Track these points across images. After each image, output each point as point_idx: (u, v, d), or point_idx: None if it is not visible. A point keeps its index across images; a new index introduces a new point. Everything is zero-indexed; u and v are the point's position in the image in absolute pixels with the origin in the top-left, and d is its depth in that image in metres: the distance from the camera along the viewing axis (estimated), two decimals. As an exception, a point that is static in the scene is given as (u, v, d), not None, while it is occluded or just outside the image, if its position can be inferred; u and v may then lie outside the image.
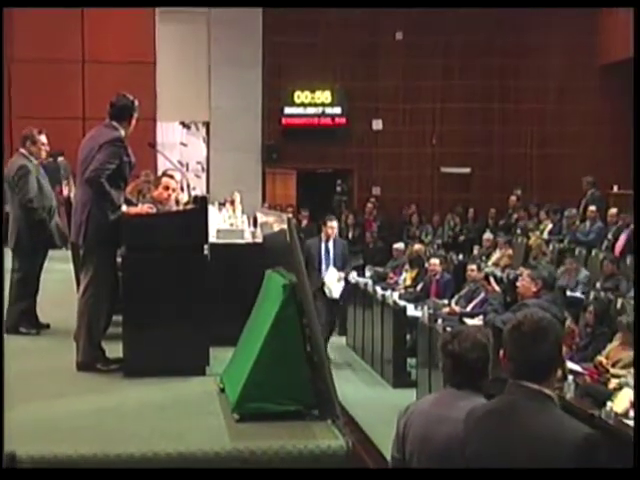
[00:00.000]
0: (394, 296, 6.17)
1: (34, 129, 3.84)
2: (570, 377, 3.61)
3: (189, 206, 3.40)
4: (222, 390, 2.84)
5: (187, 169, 9.88)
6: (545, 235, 8.23)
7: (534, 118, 10.20)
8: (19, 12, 8.59)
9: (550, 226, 8.46)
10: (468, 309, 5.76)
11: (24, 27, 8.87)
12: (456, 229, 9.81)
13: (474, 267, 6.07)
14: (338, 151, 10.21)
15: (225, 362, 2.98)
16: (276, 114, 10.11)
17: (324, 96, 10.15)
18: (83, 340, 3.10)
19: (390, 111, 10.23)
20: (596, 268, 6.53)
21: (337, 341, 6.28)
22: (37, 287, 3.80)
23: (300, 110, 10.12)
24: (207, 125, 10.21)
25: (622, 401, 3.38)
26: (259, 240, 3.77)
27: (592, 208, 7.83)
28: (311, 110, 10.14)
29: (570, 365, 3.96)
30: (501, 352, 1.51)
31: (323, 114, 10.18)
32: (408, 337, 5.73)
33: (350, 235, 9.25)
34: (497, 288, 5.72)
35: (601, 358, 4.13)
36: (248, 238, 3.90)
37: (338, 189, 10.56)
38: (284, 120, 10.13)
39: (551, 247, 7.56)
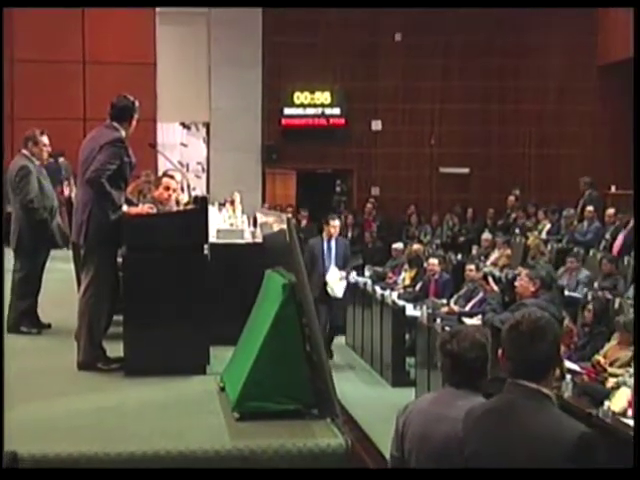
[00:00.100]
0: (393, 296, 6.19)
1: (36, 130, 3.86)
2: (568, 376, 3.62)
3: (189, 206, 3.42)
4: (222, 389, 2.85)
5: (187, 169, 9.91)
6: (543, 235, 8.25)
7: (533, 118, 10.22)
8: (20, 13, 8.61)
9: (548, 226, 8.49)
10: (467, 309, 5.78)
11: (25, 28, 8.88)
12: (455, 229, 9.84)
13: (473, 267, 6.09)
14: (337, 151, 10.23)
15: (225, 361, 2.99)
16: (276, 115, 10.12)
17: (323, 97, 10.17)
18: (84, 339, 3.11)
19: (389, 111, 10.25)
20: (594, 268, 6.56)
21: (336, 341, 6.29)
22: (39, 287, 3.82)
23: (300, 111, 10.15)
24: (207, 126, 10.22)
25: (620, 400, 3.39)
26: (259, 240, 3.78)
27: (590, 208, 7.86)
28: (311, 111, 10.16)
29: (568, 364, 3.98)
30: (499, 351, 1.52)
31: (323, 115, 10.20)
32: (407, 336, 5.75)
33: (349, 235, 9.26)
34: (495, 288, 5.74)
35: (599, 357, 4.15)
36: (248, 238, 3.91)
37: (337, 189, 10.59)
38: (284, 121, 10.16)
39: (549, 247, 7.59)
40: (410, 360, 5.57)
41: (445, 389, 1.80)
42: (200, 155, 10.47)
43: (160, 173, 4.57)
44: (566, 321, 4.65)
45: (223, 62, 9.85)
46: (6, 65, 8.49)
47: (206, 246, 3.21)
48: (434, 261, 6.57)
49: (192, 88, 9.88)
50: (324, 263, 5.57)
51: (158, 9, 9.38)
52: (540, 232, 8.38)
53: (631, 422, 3.21)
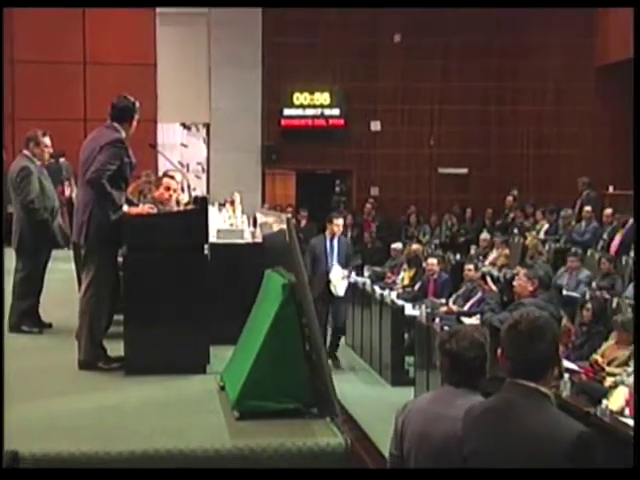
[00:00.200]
0: (392, 295, 6.21)
1: (39, 131, 3.88)
2: (566, 375, 3.64)
3: (189, 206, 3.42)
4: (222, 388, 2.86)
5: (187, 170, 9.93)
6: (541, 235, 8.29)
7: (531, 119, 10.26)
8: (20, 14, 8.62)
9: (546, 226, 8.52)
10: (465, 308, 5.80)
11: (26, 29, 8.89)
12: (453, 229, 9.87)
13: (471, 267, 6.11)
14: (337, 152, 10.26)
15: (225, 361, 2.99)
16: (275, 115, 10.15)
17: (323, 97, 10.20)
18: (85, 339, 3.12)
19: (388, 112, 10.28)
20: (592, 268, 6.59)
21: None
22: (41, 287, 3.83)
23: (299, 111, 10.18)
24: (207, 126, 10.25)
25: (617, 399, 3.41)
26: (259, 240, 3.78)
27: (588, 208, 7.90)
28: (310, 111, 10.19)
29: (566, 363, 4.00)
30: (499, 351, 1.52)
31: (322, 115, 10.23)
32: (406, 336, 5.77)
33: (349, 235, 9.28)
34: (494, 287, 5.76)
35: (597, 357, 4.17)
36: (248, 238, 3.92)
37: (337, 189, 10.61)
38: (283, 121, 10.18)
39: (547, 247, 7.62)
40: (409, 359, 5.58)
41: (444, 388, 1.81)
42: (200, 155, 10.49)
43: (160, 173, 4.58)
44: (564, 320, 4.68)
45: (223, 63, 9.87)
46: (7, 66, 8.50)
47: (206, 246, 3.21)
48: (433, 261, 6.59)
49: (192, 89, 9.90)
50: (327, 262, 5.57)
51: (158, 10, 9.40)
52: (538, 232, 8.42)
53: (628, 421, 3.23)
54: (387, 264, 8.05)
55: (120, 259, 3.20)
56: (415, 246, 7.78)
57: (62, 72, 9.06)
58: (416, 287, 6.71)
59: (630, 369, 3.82)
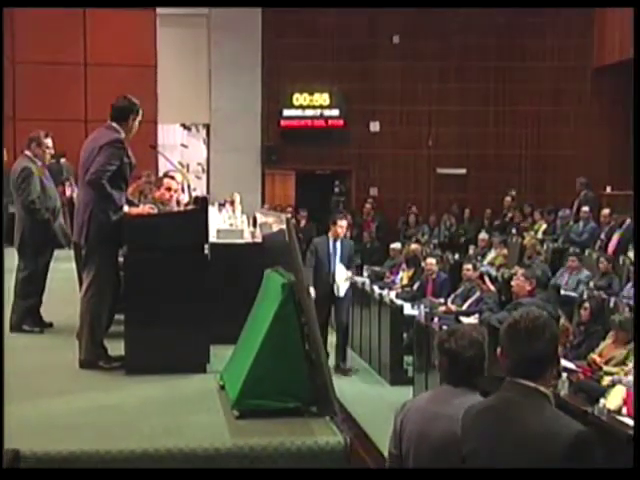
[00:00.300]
0: (391, 295, 6.23)
1: (41, 132, 3.89)
2: (564, 374, 3.66)
3: (190, 207, 3.43)
4: (222, 387, 2.87)
5: (188, 170, 9.96)
6: (539, 235, 8.33)
7: (528, 120, 10.30)
8: (22, 15, 8.65)
9: (544, 226, 8.56)
10: (464, 308, 5.82)
11: (27, 30, 8.91)
12: (452, 229, 9.90)
13: (470, 266, 6.14)
14: (336, 152, 10.29)
15: (225, 360, 3.00)
16: (275, 116, 10.18)
17: (322, 98, 10.23)
18: (85, 338, 3.13)
19: (387, 113, 10.31)
20: (590, 267, 6.61)
21: (333, 339, 6.32)
22: (43, 286, 3.84)
23: (299, 112, 10.21)
24: (207, 127, 10.28)
25: (615, 398, 3.43)
26: (258, 240, 3.80)
27: (585, 209, 7.94)
28: (309, 112, 10.22)
29: (564, 362, 4.01)
30: (498, 350, 1.53)
31: (321, 116, 10.25)
32: (405, 335, 5.78)
33: (348, 235, 9.30)
34: (492, 287, 5.78)
35: (594, 356, 4.19)
36: (248, 238, 3.93)
37: (336, 190, 10.64)
38: (283, 122, 10.21)
39: (545, 247, 7.65)
40: (408, 359, 5.59)
41: (442, 387, 1.81)
42: (200, 156, 10.52)
43: (161, 174, 4.59)
44: (562, 320, 4.70)
45: (223, 64, 9.90)
46: (8, 67, 8.52)
47: (206, 246, 3.22)
48: (432, 261, 6.61)
49: (192, 90, 9.93)
50: (330, 263, 5.56)
51: (159, 11, 9.42)
52: (536, 232, 8.46)
53: (626, 420, 3.25)
54: (386, 264, 8.07)
55: (121, 259, 3.20)
56: (414, 246, 7.81)
57: (63, 73, 9.08)
58: (415, 287, 6.73)
59: (627, 368, 3.84)
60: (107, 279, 3.12)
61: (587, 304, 4.78)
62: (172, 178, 3.77)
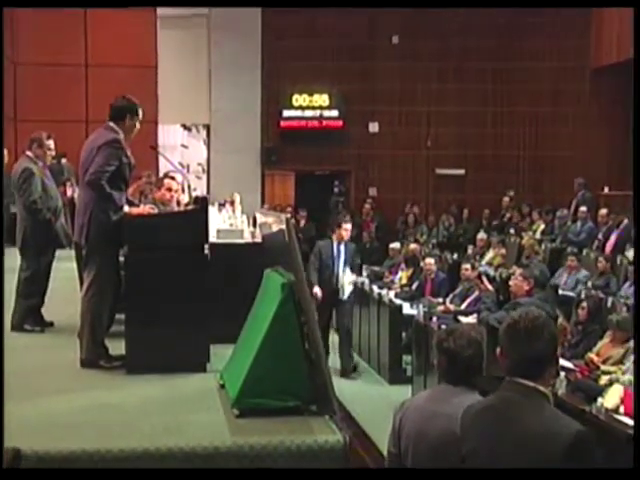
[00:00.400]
0: (390, 295, 6.25)
1: (44, 133, 3.91)
2: (562, 373, 3.68)
3: (190, 207, 3.45)
4: (222, 386, 2.88)
5: (188, 170, 9.99)
6: (537, 235, 8.36)
7: (526, 121, 10.32)
8: (23, 16, 8.66)
9: (542, 226, 8.60)
10: (462, 307, 5.85)
11: (28, 31, 8.92)
12: (451, 229, 9.92)
13: (468, 266, 6.16)
14: (335, 153, 10.31)
15: (225, 359, 3.01)
16: (275, 117, 10.20)
17: (322, 99, 10.25)
18: (86, 338, 3.14)
19: (386, 114, 10.33)
20: (587, 267, 6.64)
21: (334, 339, 6.35)
22: (45, 286, 3.86)
23: (298, 113, 10.23)
24: (207, 127, 10.31)
25: (612, 397, 3.45)
26: (258, 240, 3.80)
27: (583, 209, 7.98)
28: (309, 113, 10.25)
29: (562, 362, 4.03)
30: (498, 350, 1.53)
31: (321, 117, 10.28)
32: (404, 335, 5.80)
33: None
34: (490, 287, 5.81)
35: (592, 355, 4.21)
36: (247, 238, 3.94)
37: (335, 190, 10.66)
38: (283, 123, 10.24)
39: (543, 247, 7.68)
40: (407, 358, 5.61)
41: (441, 386, 1.83)
42: (200, 156, 10.55)
43: (161, 174, 4.60)
44: (560, 319, 4.72)
45: (223, 65, 9.92)
46: (9, 67, 8.53)
47: (206, 246, 3.22)
48: (430, 260, 6.64)
49: (192, 90, 9.96)
50: (333, 265, 5.56)
51: (159, 13, 9.44)
52: (534, 232, 8.49)
53: (623, 418, 3.27)
54: (385, 264, 8.09)
55: (122, 259, 3.22)
56: (413, 246, 7.83)
57: (64, 74, 9.08)
58: (414, 286, 6.76)
59: (624, 367, 3.86)
60: (108, 279, 3.13)
61: (585, 304, 4.81)
62: (172, 178, 3.78)
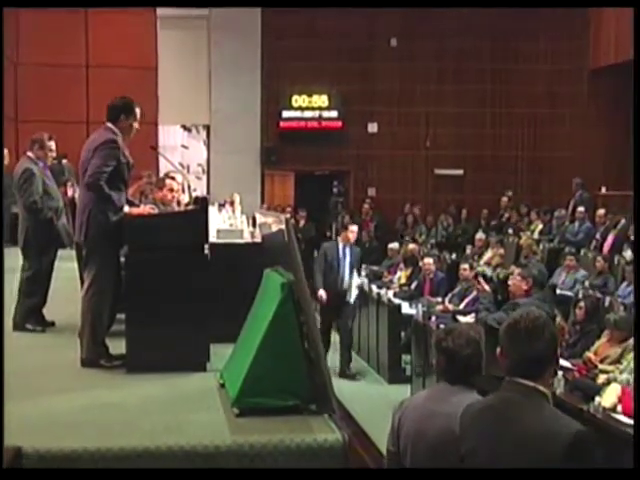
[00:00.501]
0: (389, 294, 6.27)
1: (45, 134, 3.92)
2: (560, 373, 3.70)
3: (190, 207, 3.46)
4: (222, 385, 2.89)
5: (188, 171, 10.02)
6: (535, 235, 8.38)
7: (525, 121, 10.35)
8: (24, 17, 8.68)
9: (540, 226, 8.63)
10: (461, 307, 5.87)
11: (29, 32, 8.93)
12: (449, 229, 9.95)
13: (466, 266, 6.19)
14: (335, 153, 10.33)
15: (225, 358, 3.02)
16: (274, 117, 10.22)
17: (321, 100, 10.27)
18: (87, 337, 3.15)
19: (385, 114, 10.36)
20: (585, 267, 6.66)
21: (334, 339, 6.36)
22: (47, 286, 3.87)
23: (298, 113, 10.26)
24: (207, 128, 10.32)
25: (610, 396, 3.46)
26: (258, 240, 3.82)
27: (581, 209, 8.01)
28: (308, 114, 10.27)
29: (560, 361, 4.05)
30: (498, 349, 1.53)
31: (320, 117, 10.30)
32: (403, 334, 5.82)
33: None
34: (487, 287, 5.82)
35: (590, 354, 4.23)
36: (247, 238, 3.96)
37: (335, 190, 10.69)
38: (282, 123, 10.26)
39: (541, 247, 7.71)
40: (406, 357, 5.62)
41: (440, 385, 1.83)
42: (200, 157, 10.57)
43: (161, 174, 4.62)
44: (558, 319, 4.74)
45: (223, 66, 9.94)
46: (10, 68, 8.53)
47: (206, 246, 3.24)
48: (429, 260, 6.67)
49: (192, 91, 9.97)
50: (339, 268, 5.56)
51: (159, 14, 9.45)
52: (532, 232, 8.51)
53: (621, 417, 3.29)
54: (384, 263, 8.12)
55: (122, 259, 3.23)
56: (412, 246, 7.86)
57: (64, 75, 9.10)
58: (412, 286, 6.78)
59: (622, 366, 3.89)
60: (108, 278, 3.14)
61: (582, 303, 4.83)
62: (173, 179, 3.80)
